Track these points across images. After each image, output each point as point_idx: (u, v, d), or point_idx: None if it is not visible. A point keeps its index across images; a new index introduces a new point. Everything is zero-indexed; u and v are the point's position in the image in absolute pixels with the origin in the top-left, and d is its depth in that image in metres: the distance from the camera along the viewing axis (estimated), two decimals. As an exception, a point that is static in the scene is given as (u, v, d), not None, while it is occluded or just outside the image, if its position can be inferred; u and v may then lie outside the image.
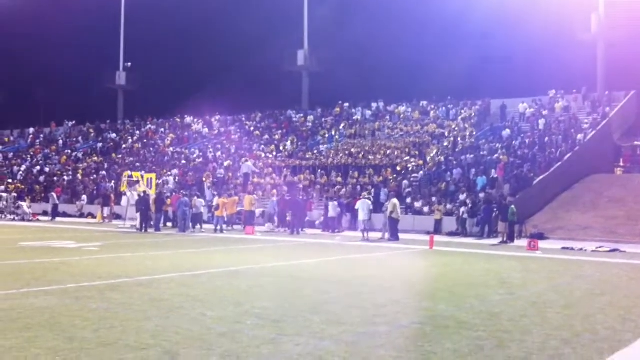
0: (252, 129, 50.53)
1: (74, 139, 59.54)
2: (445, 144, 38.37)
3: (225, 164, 42.28)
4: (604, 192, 31.97)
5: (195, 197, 30.45)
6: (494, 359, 6.94)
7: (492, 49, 55.92)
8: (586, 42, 45.07)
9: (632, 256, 19.50)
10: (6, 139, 64.28)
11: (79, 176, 47.19)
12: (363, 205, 26.15)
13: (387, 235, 25.56)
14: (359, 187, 33.83)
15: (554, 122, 37.93)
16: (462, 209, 28.65)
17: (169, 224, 31.53)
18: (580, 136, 35.12)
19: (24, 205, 37.41)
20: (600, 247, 22.13)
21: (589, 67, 44.91)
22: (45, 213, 40.08)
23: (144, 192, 30.24)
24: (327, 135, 45.12)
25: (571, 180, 33.34)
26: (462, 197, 29.75)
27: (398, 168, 35.60)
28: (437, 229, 28.46)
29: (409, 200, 31.95)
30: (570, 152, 33.63)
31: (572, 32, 45.34)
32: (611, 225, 27.67)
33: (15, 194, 41.89)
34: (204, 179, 37.96)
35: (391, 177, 34.49)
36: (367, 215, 26.00)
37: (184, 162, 45.56)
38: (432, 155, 36.77)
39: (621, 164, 41.06)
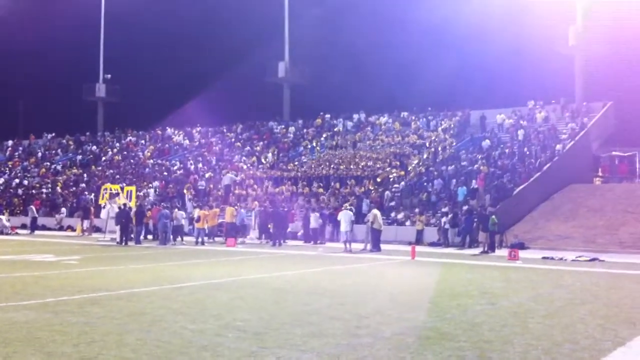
0: (233, 140, 50.46)
1: (53, 151, 59.06)
2: (426, 155, 38.56)
3: (207, 175, 42.15)
4: (583, 201, 32.27)
5: (176, 209, 30.28)
6: (476, 370, 6.96)
7: (471, 61, 56.41)
8: (564, 54, 45.60)
9: (611, 265, 19.68)
10: (-16, 152, 63.64)
11: (58, 189, 46.78)
12: (345, 216, 26.16)
13: (369, 246, 25.59)
14: (340, 198, 33.89)
15: (533, 133, 38.27)
16: (444, 219, 28.79)
17: (149, 237, 31.31)
18: (559, 146, 35.46)
19: (3, 218, 36.99)
20: (580, 256, 22.31)
21: (567, 79, 45.42)
22: (24, 226, 39.65)
23: (124, 204, 30.04)
24: (308, 147, 45.17)
25: (551, 190, 33.62)
26: (445, 208, 29.90)
27: (379, 179, 35.70)
28: (419, 240, 28.56)
29: (393, 213, 32.03)
30: (549, 162, 33.94)
31: (550, 44, 45.87)
32: (590, 234, 27.93)
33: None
34: (185, 191, 37.79)
35: (372, 188, 34.57)
36: (349, 226, 26.00)
37: (165, 174, 45.34)
38: (413, 165, 36.94)
39: (599, 173, 41.49)
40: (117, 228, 29.11)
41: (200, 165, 45.91)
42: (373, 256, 22.98)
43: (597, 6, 43.94)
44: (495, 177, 33.05)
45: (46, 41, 67.12)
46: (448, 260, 21.07)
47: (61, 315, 9.84)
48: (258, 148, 47.24)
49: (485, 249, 24.57)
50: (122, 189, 33.82)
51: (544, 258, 21.87)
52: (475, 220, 26.66)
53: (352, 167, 38.33)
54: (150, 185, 42.42)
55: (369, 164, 38.24)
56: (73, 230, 37.90)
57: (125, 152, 53.76)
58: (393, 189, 34.44)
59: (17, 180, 50.81)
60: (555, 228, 29.24)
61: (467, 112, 43.81)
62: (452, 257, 22.68)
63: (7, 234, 35.19)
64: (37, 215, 38.79)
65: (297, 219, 32.63)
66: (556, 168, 34.02)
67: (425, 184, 34.26)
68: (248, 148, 47.76)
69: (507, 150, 36.37)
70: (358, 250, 25.22)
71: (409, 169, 36.58)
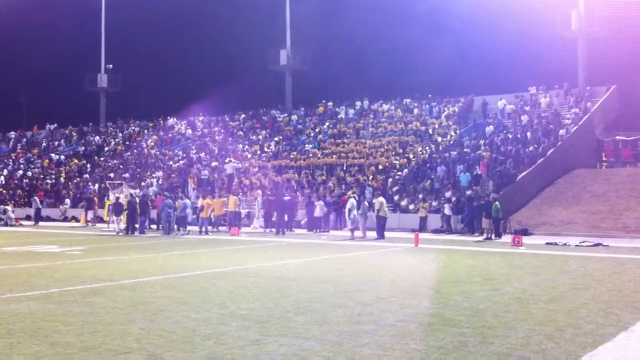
0: (235, 129, 50.40)
1: (56, 142, 59.10)
2: (429, 141, 38.49)
3: (213, 164, 42.14)
4: (587, 186, 32.22)
5: (180, 199, 30.29)
6: (478, 355, 6.96)
7: (473, 46, 56.26)
8: (567, 38, 45.36)
9: (614, 250, 19.67)
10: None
11: (62, 179, 46.85)
12: (350, 205, 26.21)
13: (367, 234, 25.55)
14: (343, 186, 33.89)
15: (536, 118, 38.15)
16: (446, 206, 28.76)
17: (153, 227, 31.37)
18: (562, 131, 35.36)
19: (9, 209, 37.10)
20: (583, 241, 22.28)
21: (570, 63, 45.22)
22: (28, 217, 39.76)
23: (131, 194, 30.08)
24: (311, 135, 45.11)
25: (554, 176, 33.57)
26: (447, 194, 29.87)
27: (380, 167, 35.66)
28: (422, 227, 28.56)
29: (396, 197, 32.02)
30: (552, 147, 33.85)
31: (552, 28, 45.59)
32: (594, 219, 27.90)
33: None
34: (189, 180, 37.86)
35: (370, 175, 34.47)
36: (353, 213, 26.04)
37: (170, 163, 45.34)
38: (416, 152, 36.87)
39: (603, 158, 41.42)
40: (115, 218, 29.29)
41: (203, 154, 45.90)
42: (376, 244, 22.99)
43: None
44: (498, 163, 32.98)
45: (48, 32, 67.14)
46: (451, 247, 21.08)
47: (65, 306, 9.87)
48: (261, 137, 47.19)
49: (489, 235, 24.56)
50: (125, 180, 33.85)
51: (547, 244, 21.88)
52: (477, 205, 26.67)
53: (355, 154, 38.27)
54: (153, 175, 42.44)
55: (371, 151, 38.18)
56: (77, 221, 37.99)
57: (128, 143, 53.77)
58: (396, 177, 34.41)
59: (20, 172, 50.88)
60: (558, 213, 29.22)
61: (470, 98, 43.67)
62: (456, 243, 22.69)
63: (11, 225, 35.29)
64: (41, 207, 38.89)
65: (301, 207, 32.63)
66: (560, 153, 33.95)
67: (428, 170, 34.21)
68: (253, 136, 47.68)
69: (510, 136, 36.27)
70: (360, 237, 25.23)
71: (411, 156, 36.52)
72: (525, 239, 22.34)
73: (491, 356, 6.91)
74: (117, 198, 30.08)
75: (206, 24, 66.43)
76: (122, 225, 29.01)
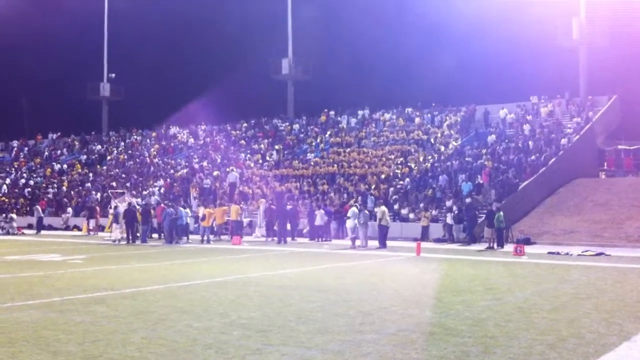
0: (238, 138, 50.43)
1: (59, 151, 59.18)
2: (431, 150, 38.50)
3: (215, 173, 42.17)
4: (589, 196, 32.19)
5: (181, 208, 30.31)
6: (480, 365, 6.95)
7: (474, 56, 56.35)
8: (568, 47, 45.38)
9: (617, 260, 19.62)
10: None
11: (64, 188, 46.89)
12: (352, 214, 26.19)
13: (368, 243, 25.56)
14: (345, 195, 33.88)
15: (538, 127, 38.15)
16: (448, 215, 28.73)
17: (155, 235, 31.36)
18: (564, 141, 35.36)
19: (14, 217, 37.17)
20: (585, 251, 22.24)
21: (571, 72, 45.25)
22: (30, 226, 39.76)
23: (129, 203, 30.10)
24: (313, 144, 45.14)
25: (556, 185, 33.55)
26: (449, 203, 29.85)
27: (383, 176, 35.66)
28: (424, 236, 28.51)
29: (396, 207, 31.99)
30: (554, 156, 33.85)
31: (554, 38, 45.66)
32: (596, 229, 27.86)
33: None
34: (191, 189, 37.85)
35: (373, 184, 34.47)
36: (353, 222, 26.02)
37: (172, 171, 45.37)
38: (418, 161, 36.88)
39: (605, 167, 41.44)
40: (115, 226, 29.32)
41: (205, 163, 45.94)
42: (378, 253, 22.97)
43: (601, -2, 43.70)
44: (500, 172, 32.96)
45: (50, 41, 67.30)
46: (453, 256, 21.04)
47: (66, 315, 9.87)
48: (263, 146, 47.23)
49: (490, 244, 24.50)
50: (127, 188, 33.88)
51: (549, 253, 21.84)
52: (480, 214, 26.64)
53: (357, 163, 38.29)
54: (155, 184, 42.47)
55: (373, 160, 38.19)
56: (79, 229, 38.00)
57: (130, 152, 53.84)
58: (398, 186, 34.39)
59: (23, 181, 50.92)
60: (560, 223, 29.18)
61: (472, 107, 43.66)
62: (458, 253, 22.66)
63: (13, 234, 35.30)
64: (42, 215, 38.92)
65: (303, 216, 32.60)
66: (561, 162, 33.95)
67: (430, 180, 34.19)
68: (255, 146, 47.72)
69: (512, 145, 36.27)
70: (360, 247, 25.21)
71: (413, 165, 36.53)
72: (528, 249, 22.30)
73: (493, 366, 6.91)
74: (116, 207, 30.12)
75: (208, 34, 66.64)
76: (123, 234, 29.02)
